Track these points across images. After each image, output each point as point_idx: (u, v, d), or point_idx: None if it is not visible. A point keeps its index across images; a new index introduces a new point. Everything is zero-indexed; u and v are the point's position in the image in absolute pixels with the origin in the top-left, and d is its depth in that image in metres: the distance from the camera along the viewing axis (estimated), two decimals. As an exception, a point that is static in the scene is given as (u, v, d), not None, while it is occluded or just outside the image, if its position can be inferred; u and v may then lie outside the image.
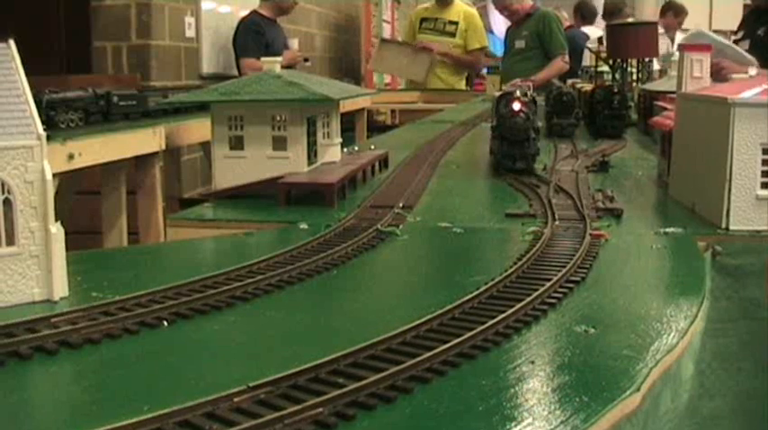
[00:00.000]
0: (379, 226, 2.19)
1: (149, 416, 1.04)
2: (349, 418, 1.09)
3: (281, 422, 1.04)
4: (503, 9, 8.40)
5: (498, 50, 11.56)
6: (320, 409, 1.08)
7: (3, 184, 1.51)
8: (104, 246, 3.98)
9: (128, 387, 1.24)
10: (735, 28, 7.41)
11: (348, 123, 7.01)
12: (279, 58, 2.76)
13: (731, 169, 2.26)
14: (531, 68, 7.49)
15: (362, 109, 7.72)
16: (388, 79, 11.94)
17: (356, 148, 3.62)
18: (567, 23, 10.53)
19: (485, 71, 9.78)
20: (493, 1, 8.57)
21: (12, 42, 1.58)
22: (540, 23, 7.87)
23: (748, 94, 2.30)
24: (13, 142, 1.50)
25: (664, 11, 9.63)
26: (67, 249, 1.62)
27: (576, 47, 8.96)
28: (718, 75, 3.26)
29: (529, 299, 1.55)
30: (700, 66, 2.85)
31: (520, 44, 8.03)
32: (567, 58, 7.83)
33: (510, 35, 8.34)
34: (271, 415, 1.05)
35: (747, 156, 2.26)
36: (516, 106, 2.85)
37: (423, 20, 9.31)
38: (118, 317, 1.46)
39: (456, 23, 9.15)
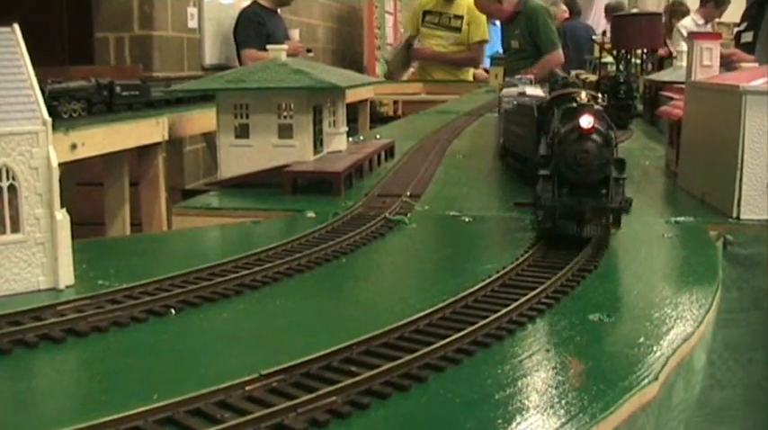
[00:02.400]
0: (387, 214, 2.17)
1: (160, 404, 1.02)
2: (363, 407, 1.07)
3: (295, 411, 1.02)
4: (488, 14, 8.34)
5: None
6: (334, 398, 1.06)
7: (7, 170, 1.48)
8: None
9: (136, 375, 1.22)
10: (738, 20, 7.38)
11: (351, 114, 6.95)
12: (284, 46, 2.74)
13: (742, 158, 2.24)
14: (529, 67, 7.44)
15: (365, 100, 7.69)
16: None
17: (362, 138, 3.59)
18: (565, 15, 10.48)
19: (487, 62, 9.72)
20: (477, 6, 8.44)
21: (16, 27, 1.55)
22: (530, 20, 7.79)
23: (759, 82, 2.28)
24: (17, 128, 1.48)
25: (704, 1, 9.31)
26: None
27: (576, 38, 8.91)
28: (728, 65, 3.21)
29: (542, 287, 1.53)
30: (709, 54, 2.83)
31: (515, 44, 7.94)
32: (560, 51, 7.76)
33: (505, 33, 8.27)
34: (284, 403, 1.03)
35: (759, 144, 2.23)
36: (586, 121, 1.73)
37: (426, 12, 9.23)
38: (125, 305, 1.44)
39: (461, 18, 9.08)
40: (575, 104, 1.89)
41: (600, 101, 1.97)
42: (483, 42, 9.36)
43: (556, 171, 1.78)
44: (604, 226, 1.82)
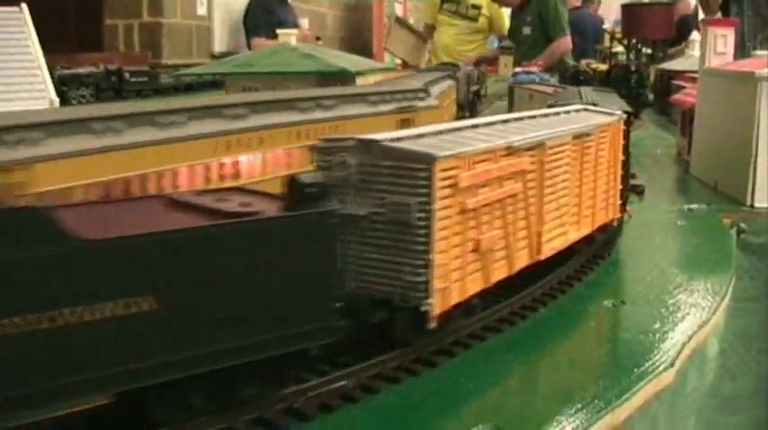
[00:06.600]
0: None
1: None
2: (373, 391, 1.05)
3: (305, 395, 1.01)
4: (499, 2, 8.29)
5: None
6: (344, 382, 1.05)
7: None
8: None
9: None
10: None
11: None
12: (294, 30, 2.71)
13: (757, 145, 2.21)
14: (540, 55, 7.38)
15: (374, 88, 7.63)
16: (399, 59, 11.84)
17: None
18: (576, 4, 10.41)
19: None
20: None
21: (24, 6, 1.54)
22: (543, 7, 7.74)
23: (775, 69, 2.25)
24: (25, 107, 1.46)
25: None
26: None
27: (581, 27, 8.84)
28: None
29: (556, 272, 1.50)
30: (723, 41, 2.80)
31: (526, 31, 7.88)
32: (568, 38, 7.71)
33: (516, 20, 8.22)
34: (294, 387, 1.01)
35: (774, 131, 2.21)
36: None
37: (444, 0, 9.17)
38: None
39: (479, 8, 9.02)
40: None
41: None
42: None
43: None
44: None
